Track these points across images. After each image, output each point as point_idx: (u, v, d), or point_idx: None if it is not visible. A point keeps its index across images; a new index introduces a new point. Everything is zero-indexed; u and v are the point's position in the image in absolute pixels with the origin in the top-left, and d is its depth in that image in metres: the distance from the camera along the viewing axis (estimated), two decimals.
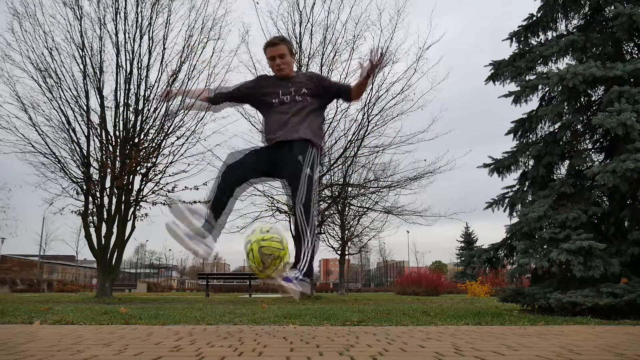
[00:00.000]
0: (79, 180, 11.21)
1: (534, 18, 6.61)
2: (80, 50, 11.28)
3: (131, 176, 11.39)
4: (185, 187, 11.62)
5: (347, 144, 12.70)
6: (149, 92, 11.70)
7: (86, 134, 11.41)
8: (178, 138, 11.86)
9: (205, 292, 16.41)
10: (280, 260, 2.42)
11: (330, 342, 2.32)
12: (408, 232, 47.68)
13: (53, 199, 11.25)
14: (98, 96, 11.46)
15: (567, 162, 6.04)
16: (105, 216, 11.22)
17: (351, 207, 17.48)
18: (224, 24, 15.01)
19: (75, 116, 11.35)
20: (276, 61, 2.78)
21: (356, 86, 2.85)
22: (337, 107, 12.26)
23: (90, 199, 11.22)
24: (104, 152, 11.26)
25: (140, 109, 11.57)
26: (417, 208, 14.29)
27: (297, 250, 2.59)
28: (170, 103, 2.52)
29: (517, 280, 5.59)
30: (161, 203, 11.64)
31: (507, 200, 6.36)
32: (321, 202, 13.64)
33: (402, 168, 14.00)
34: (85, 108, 11.32)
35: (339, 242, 22.08)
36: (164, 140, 11.79)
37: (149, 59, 11.70)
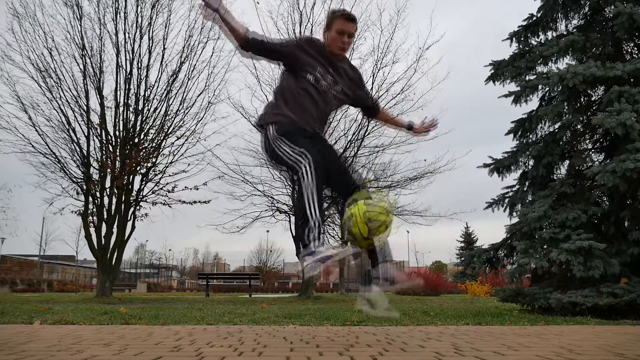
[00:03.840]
0: (79, 180, 11.21)
1: (534, 18, 6.61)
2: (80, 50, 11.29)
3: (131, 176, 11.39)
4: (185, 187, 11.65)
5: (347, 144, 12.72)
6: (149, 92, 11.72)
7: (86, 134, 11.41)
8: (178, 138, 11.88)
9: (205, 292, 16.40)
10: (385, 226, 2.22)
11: (330, 342, 2.32)
12: (408, 232, 47.40)
13: (53, 199, 11.27)
14: (98, 96, 11.47)
15: (567, 162, 6.04)
16: (105, 216, 11.22)
17: None
18: None
19: (75, 116, 11.36)
20: (345, 37, 2.45)
21: (387, 116, 2.86)
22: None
23: (90, 199, 11.22)
24: (104, 152, 11.26)
25: (140, 109, 11.57)
26: (417, 208, 14.27)
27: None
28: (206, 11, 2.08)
29: (517, 280, 5.59)
30: (161, 203, 11.66)
31: (507, 200, 6.36)
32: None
33: (402, 168, 13.99)
34: (85, 108, 11.32)
35: (339, 242, 22.06)
36: (164, 140, 11.81)
37: (149, 59, 11.71)
